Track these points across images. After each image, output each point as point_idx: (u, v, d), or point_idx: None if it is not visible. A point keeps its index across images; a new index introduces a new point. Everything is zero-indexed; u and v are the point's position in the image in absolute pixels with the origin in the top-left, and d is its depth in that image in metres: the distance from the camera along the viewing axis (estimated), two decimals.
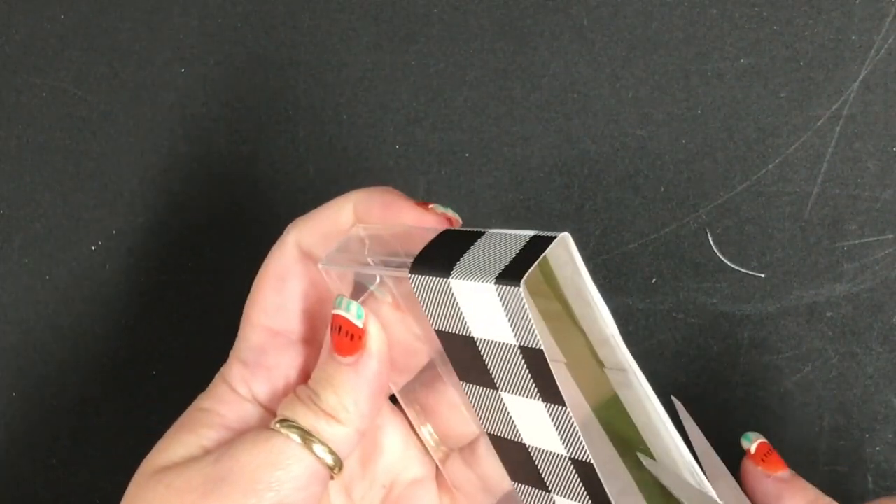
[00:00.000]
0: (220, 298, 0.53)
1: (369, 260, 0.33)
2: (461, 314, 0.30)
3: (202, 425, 0.34)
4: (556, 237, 0.28)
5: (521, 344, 0.28)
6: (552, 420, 0.29)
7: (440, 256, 0.30)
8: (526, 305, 0.27)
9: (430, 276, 0.30)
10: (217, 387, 0.35)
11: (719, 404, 0.48)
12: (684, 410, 0.37)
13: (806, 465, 0.47)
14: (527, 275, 0.27)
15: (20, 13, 0.56)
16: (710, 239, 0.49)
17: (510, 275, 0.27)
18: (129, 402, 0.54)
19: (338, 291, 0.33)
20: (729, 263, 0.49)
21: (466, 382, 0.32)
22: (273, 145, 0.53)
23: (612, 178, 0.50)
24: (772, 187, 0.49)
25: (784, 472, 0.37)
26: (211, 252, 0.53)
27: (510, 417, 0.31)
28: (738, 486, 0.36)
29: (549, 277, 0.31)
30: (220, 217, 0.53)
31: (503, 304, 0.28)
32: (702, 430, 0.37)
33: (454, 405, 0.35)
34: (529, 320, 0.27)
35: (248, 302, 0.36)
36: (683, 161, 0.50)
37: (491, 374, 0.30)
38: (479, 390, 0.32)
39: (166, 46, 0.54)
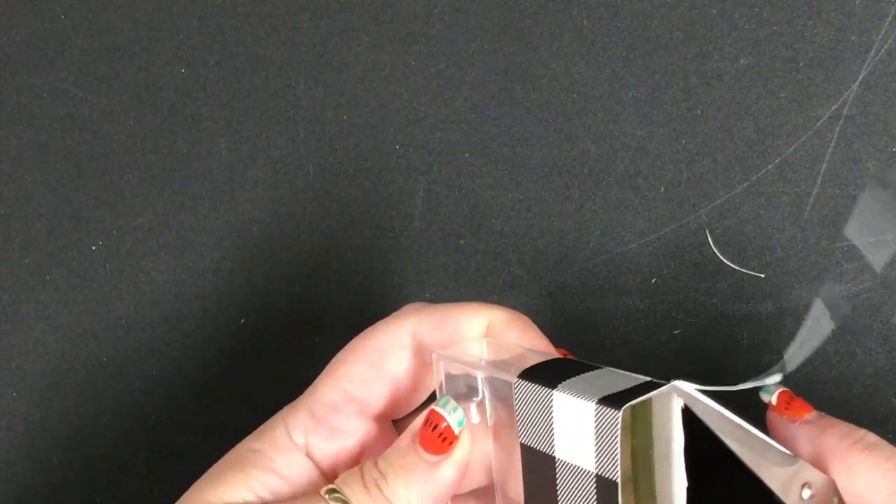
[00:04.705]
0: (221, 298, 0.53)
1: (482, 363, 0.34)
2: (552, 429, 0.30)
3: (252, 466, 0.34)
4: (665, 385, 0.29)
5: (599, 472, 0.29)
6: None
7: (551, 372, 0.31)
8: (619, 432, 0.27)
9: (535, 384, 0.30)
10: (274, 429, 0.35)
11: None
12: (691, 387, 0.36)
13: None
14: (630, 404, 0.28)
15: (20, 13, 0.56)
16: (710, 239, 0.49)
17: (614, 401, 0.28)
18: (129, 401, 0.54)
19: (439, 383, 0.34)
20: (729, 263, 0.49)
21: None
22: (273, 145, 0.53)
23: (612, 178, 0.50)
24: (771, 187, 0.49)
25: (811, 415, 0.36)
26: (211, 252, 0.53)
27: None
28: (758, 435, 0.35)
29: (644, 421, 0.31)
30: (220, 217, 0.53)
31: (596, 426, 0.28)
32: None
33: None
34: (616, 449, 0.28)
35: (337, 358, 0.36)
36: (683, 161, 0.50)
37: (558, 500, 0.31)
38: None
39: (166, 46, 0.54)
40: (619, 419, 0.27)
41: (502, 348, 0.34)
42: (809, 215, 0.48)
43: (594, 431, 0.28)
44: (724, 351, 0.49)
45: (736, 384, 0.44)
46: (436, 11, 0.52)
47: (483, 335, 0.34)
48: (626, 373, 0.31)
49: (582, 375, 0.31)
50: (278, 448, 0.35)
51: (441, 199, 0.52)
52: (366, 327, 0.37)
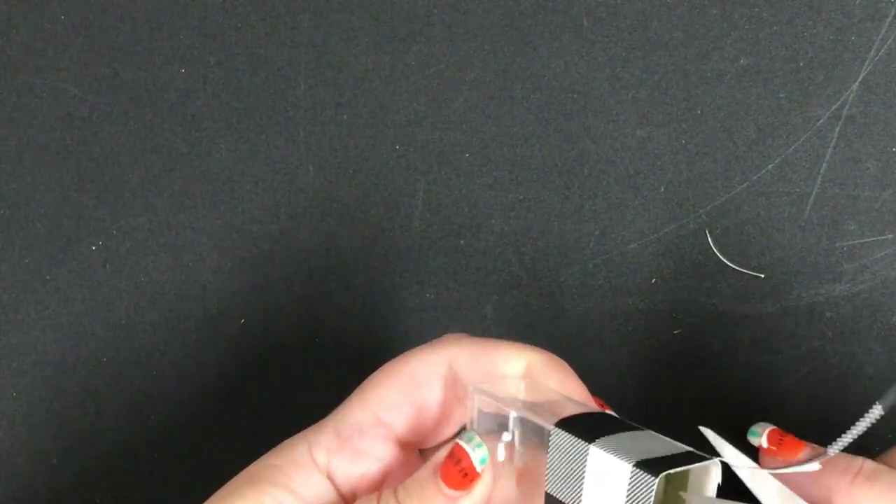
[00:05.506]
0: (221, 298, 0.53)
1: (518, 403, 0.33)
2: (581, 484, 0.30)
3: (267, 482, 0.34)
4: (707, 459, 0.28)
5: None
6: None
7: (590, 425, 0.30)
8: (652, 499, 0.27)
9: (572, 434, 0.30)
10: (296, 446, 0.35)
11: (719, 404, 0.48)
12: (716, 437, 0.36)
13: None
14: (668, 473, 0.27)
15: (20, 13, 0.56)
16: (710, 239, 0.49)
17: (651, 466, 0.27)
18: (129, 401, 0.54)
19: (471, 417, 0.33)
20: (729, 263, 0.49)
21: None
22: (273, 145, 0.53)
23: (612, 178, 0.50)
24: (771, 187, 0.49)
25: (805, 453, 0.36)
26: (211, 252, 0.53)
27: None
28: (791, 493, 0.35)
29: (676, 490, 0.31)
30: (220, 217, 0.53)
31: (629, 489, 0.28)
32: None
33: None
34: None
35: (370, 380, 0.36)
36: (683, 161, 0.50)
37: None
38: None
39: (166, 46, 0.54)
40: (655, 485, 0.27)
41: (539, 392, 0.33)
42: (809, 215, 0.48)
43: (626, 494, 0.28)
44: (724, 351, 0.49)
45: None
46: (436, 11, 0.52)
47: (520, 376, 0.34)
48: (668, 439, 0.30)
49: (622, 434, 0.30)
50: (298, 466, 0.34)
51: (441, 199, 0.52)
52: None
